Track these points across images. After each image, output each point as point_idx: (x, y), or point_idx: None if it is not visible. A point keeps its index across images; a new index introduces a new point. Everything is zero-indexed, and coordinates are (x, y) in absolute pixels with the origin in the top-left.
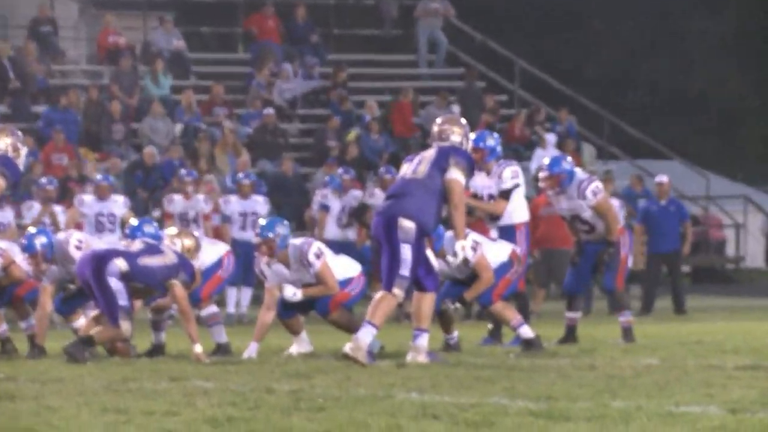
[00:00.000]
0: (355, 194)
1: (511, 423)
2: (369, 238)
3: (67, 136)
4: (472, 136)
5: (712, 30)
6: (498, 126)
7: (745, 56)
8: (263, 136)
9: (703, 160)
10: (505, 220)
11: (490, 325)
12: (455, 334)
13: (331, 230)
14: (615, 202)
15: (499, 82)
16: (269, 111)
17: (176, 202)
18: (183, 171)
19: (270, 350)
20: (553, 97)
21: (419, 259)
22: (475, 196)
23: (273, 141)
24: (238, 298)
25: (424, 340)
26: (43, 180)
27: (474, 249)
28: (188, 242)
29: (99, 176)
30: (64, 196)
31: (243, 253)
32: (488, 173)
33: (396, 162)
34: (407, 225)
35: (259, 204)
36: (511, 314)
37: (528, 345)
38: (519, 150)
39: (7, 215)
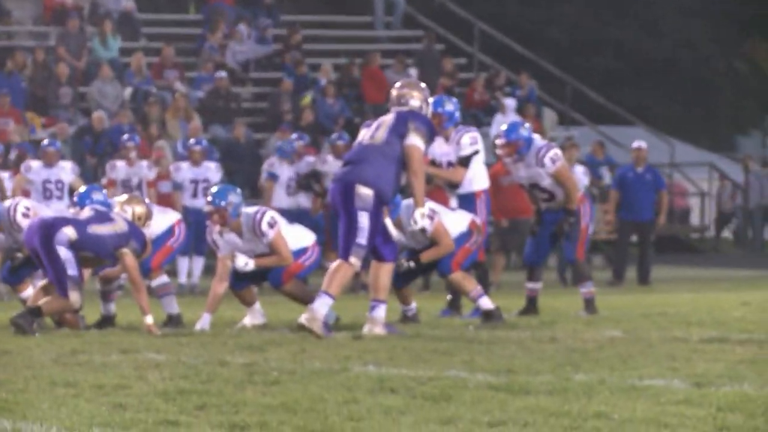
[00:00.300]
0: (309, 161)
1: (470, 396)
2: (323, 207)
3: (13, 100)
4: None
5: None
6: (457, 90)
7: (714, 20)
8: (215, 100)
9: (668, 127)
10: (465, 188)
11: (448, 297)
12: (413, 305)
13: (282, 199)
14: (580, 169)
15: (457, 45)
16: (221, 74)
17: (119, 169)
18: (125, 137)
19: (223, 322)
20: (514, 60)
21: (377, 227)
22: (433, 163)
23: (225, 105)
24: (190, 267)
25: (381, 312)
26: None
27: (431, 218)
28: (139, 209)
29: (46, 141)
30: (10, 163)
31: (195, 221)
32: (446, 140)
33: (351, 128)
34: (365, 192)
35: (211, 171)
36: (471, 285)
37: (488, 316)
38: (478, 115)
39: None
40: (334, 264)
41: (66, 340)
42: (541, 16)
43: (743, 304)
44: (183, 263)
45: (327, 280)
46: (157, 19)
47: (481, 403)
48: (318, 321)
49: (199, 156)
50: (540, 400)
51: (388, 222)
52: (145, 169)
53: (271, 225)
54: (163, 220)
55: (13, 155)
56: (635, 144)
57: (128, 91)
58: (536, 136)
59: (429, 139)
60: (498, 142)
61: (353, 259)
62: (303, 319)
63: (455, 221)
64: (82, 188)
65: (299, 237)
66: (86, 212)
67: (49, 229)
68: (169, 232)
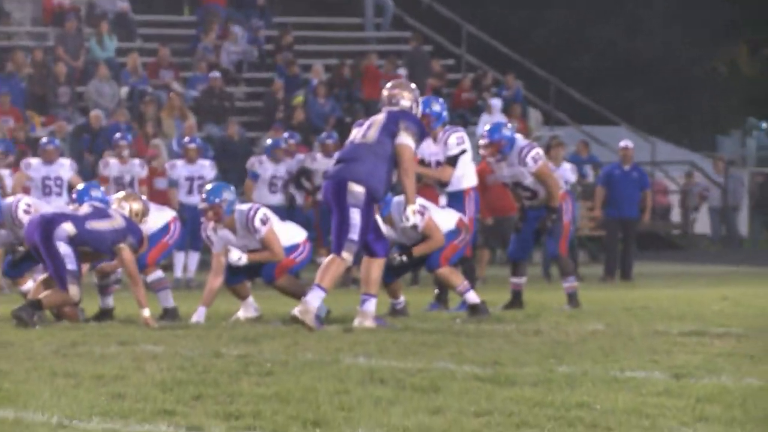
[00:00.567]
0: (300, 158)
1: (457, 388)
2: (313, 203)
3: (13, 100)
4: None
5: None
6: (445, 90)
7: (693, 24)
8: (209, 99)
9: (649, 127)
10: (454, 186)
11: (436, 291)
12: (402, 299)
13: (265, 196)
14: (567, 166)
15: (445, 47)
16: (215, 74)
17: (112, 166)
18: (118, 135)
19: (218, 315)
20: (500, 61)
21: (368, 224)
22: (422, 162)
23: (219, 105)
24: (186, 262)
25: (371, 305)
26: None
27: (421, 214)
28: (136, 206)
29: (45, 139)
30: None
31: (190, 217)
32: (434, 139)
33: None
34: (357, 189)
35: (206, 168)
36: (458, 279)
37: (474, 310)
38: (465, 115)
39: None
40: (327, 259)
41: (66, 332)
42: (527, 18)
43: (722, 299)
44: (179, 258)
45: (320, 274)
46: (153, 20)
47: (468, 394)
48: (310, 313)
49: (194, 154)
50: (525, 391)
51: (379, 219)
52: (138, 167)
53: (264, 221)
54: (159, 217)
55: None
56: (622, 143)
57: (125, 91)
58: (519, 136)
59: (419, 139)
60: (481, 142)
61: (345, 254)
62: (296, 311)
63: (444, 219)
64: (81, 185)
65: (291, 233)
66: (85, 208)
67: (48, 224)
68: (165, 229)
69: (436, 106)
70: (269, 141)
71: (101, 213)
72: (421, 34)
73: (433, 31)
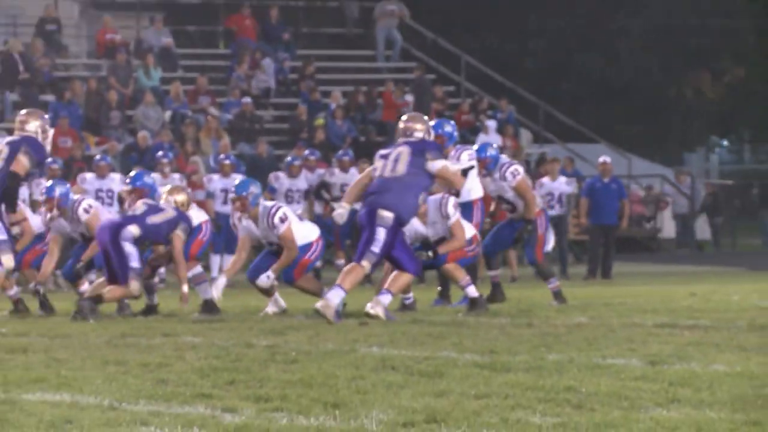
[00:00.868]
0: (320, 172)
1: (459, 374)
2: (332, 212)
3: (71, 122)
4: (431, 123)
5: (636, 27)
6: (446, 113)
7: (665, 52)
8: (242, 122)
9: (627, 144)
10: (464, 197)
11: (439, 288)
12: (411, 295)
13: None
14: (563, 179)
15: (447, 75)
16: (247, 100)
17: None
18: (160, 153)
19: (248, 310)
20: (495, 87)
21: (394, 243)
22: None
23: (250, 126)
24: (221, 264)
25: (387, 299)
26: (50, 160)
27: (455, 208)
28: (181, 198)
29: (98, 157)
30: (69, 175)
31: (225, 224)
32: (446, 157)
33: (357, 145)
34: (386, 214)
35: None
36: (461, 274)
37: (473, 304)
38: (465, 135)
39: (22, 191)
40: (349, 265)
41: (117, 325)
42: (518, 49)
43: (691, 295)
44: (215, 260)
45: (342, 276)
46: (192, 53)
47: (469, 379)
48: (331, 309)
49: (228, 169)
50: (519, 377)
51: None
52: (177, 181)
53: (283, 220)
54: (195, 216)
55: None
56: (601, 159)
57: (168, 114)
58: (502, 156)
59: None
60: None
61: (365, 263)
62: (319, 305)
63: (466, 228)
64: (134, 172)
65: (306, 232)
66: (140, 207)
67: (117, 227)
68: (198, 228)
69: (448, 128)
70: (287, 158)
71: (155, 209)
72: (426, 64)
73: (437, 62)
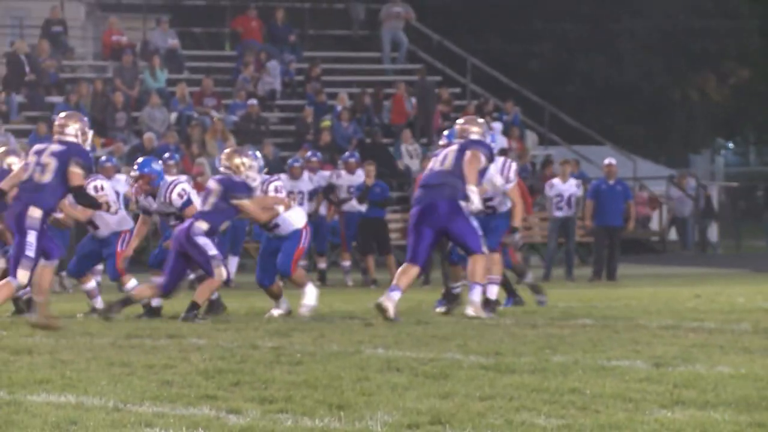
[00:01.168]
0: (325, 175)
1: (464, 375)
2: (338, 214)
3: None
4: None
5: (640, 30)
6: (452, 115)
7: (669, 54)
8: (248, 124)
9: (632, 146)
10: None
11: (443, 290)
12: (460, 283)
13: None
14: (573, 182)
15: (453, 77)
16: (253, 102)
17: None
18: (166, 155)
19: (254, 312)
20: (501, 90)
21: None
22: None
23: (256, 128)
24: (227, 265)
25: (477, 294)
26: None
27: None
28: (240, 160)
29: (104, 158)
30: None
31: (231, 226)
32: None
33: (363, 147)
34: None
35: None
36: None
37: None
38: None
39: None
40: (403, 266)
41: (121, 326)
42: (523, 52)
43: (695, 297)
44: None
45: (398, 276)
46: (198, 55)
47: (474, 381)
48: (391, 308)
49: None
50: (523, 378)
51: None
52: None
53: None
54: None
55: None
56: (607, 161)
57: (174, 116)
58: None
59: (488, 159)
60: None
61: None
62: (383, 299)
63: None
64: (141, 159)
65: (295, 218)
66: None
67: (188, 229)
68: None
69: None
70: (289, 160)
71: (207, 193)
72: (432, 66)
73: (443, 64)
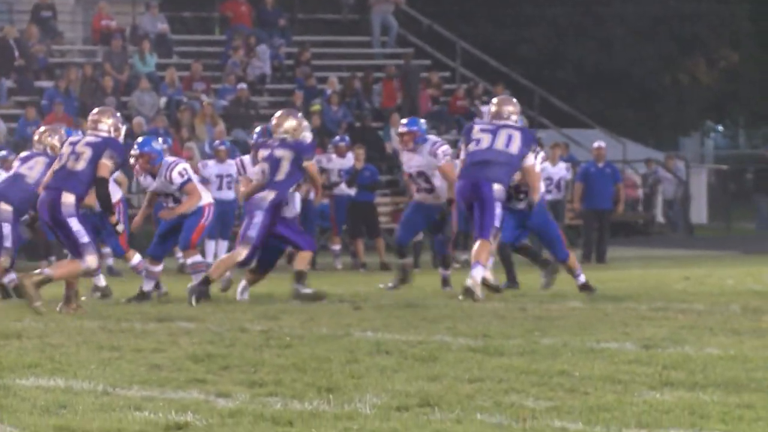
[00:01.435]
0: (316, 158)
1: (453, 358)
2: (327, 197)
3: (66, 108)
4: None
5: (630, 14)
6: (441, 99)
7: (659, 38)
8: (237, 108)
9: (621, 129)
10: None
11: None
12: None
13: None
14: (563, 165)
15: (442, 61)
16: (242, 86)
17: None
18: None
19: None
20: (490, 73)
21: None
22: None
23: (245, 113)
24: (216, 250)
25: (480, 272)
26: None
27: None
28: (289, 124)
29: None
30: None
31: (220, 210)
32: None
33: (352, 131)
34: (497, 188)
35: (233, 167)
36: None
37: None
38: (460, 120)
39: None
40: (477, 243)
41: (111, 309)
42: (514, 36)
43: (684, 279)
44: (210, 246)
45: (476, 253)
46: (187, 40)
47: (462, 363)
48: (478, 286)
49: (223, 155)
50: (512, 361)
51: None
52: None
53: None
54: (204, 196)
55: None
56: (596, 144)
57: (163, 101)
58: (431, 135)
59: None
60: (400, 130)
61: (491, 239)
62: (468, 283)
63: None
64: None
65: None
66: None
67: (276, 203)
68: (200, 212)
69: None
70: None
71: (275, 162)
72: (421, 50)
73: (432, 48)
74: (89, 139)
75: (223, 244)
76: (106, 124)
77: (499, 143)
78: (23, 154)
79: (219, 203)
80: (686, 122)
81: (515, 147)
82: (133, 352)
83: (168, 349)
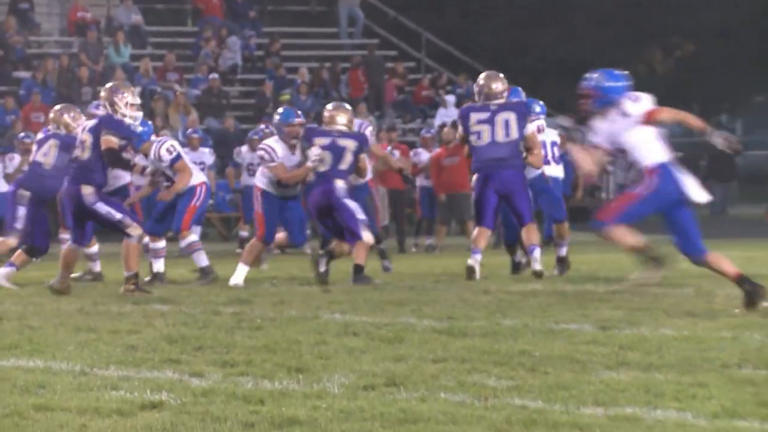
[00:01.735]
0: None
1: (418, 339)
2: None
3: (43, 98)
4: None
5: (593, 4)
6: (407, 89)
7: (622, 27)
8: (209, 97)
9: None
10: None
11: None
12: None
13: (246, 179)
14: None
15: (408, 51)
16: (214, 76)
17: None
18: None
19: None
20: (454, 64)
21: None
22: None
23: (217, 102)
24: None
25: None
26: (22, 134)
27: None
28: (342, 118)
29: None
30: None
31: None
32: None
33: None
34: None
35: (206, 155)
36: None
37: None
38: (425, 109)
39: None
40: (526, 228)
41: (88, 293)
42: (477, 27)
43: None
44: (196, 229)
45: (527, 238)
46: (161, 31)
47: (427, 344)
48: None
49: (196, 143)
50: (475, 341)
51: None
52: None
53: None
54: (196, 177)
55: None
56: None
57: (137, 90)
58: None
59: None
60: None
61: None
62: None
63: None
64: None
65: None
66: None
67: (330, 191)
68: (192, 192)
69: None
70: (249, 133)
71: (340, 151)
72: (388, 41)
73: (398, 39)
74: (88, 124)
75: (197, 229)
76: (101, 102)
77: (499, 135)
78: (39, 136)
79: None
80: None
81: (514, 132)
82: (110, 333)
83: (143, 330)
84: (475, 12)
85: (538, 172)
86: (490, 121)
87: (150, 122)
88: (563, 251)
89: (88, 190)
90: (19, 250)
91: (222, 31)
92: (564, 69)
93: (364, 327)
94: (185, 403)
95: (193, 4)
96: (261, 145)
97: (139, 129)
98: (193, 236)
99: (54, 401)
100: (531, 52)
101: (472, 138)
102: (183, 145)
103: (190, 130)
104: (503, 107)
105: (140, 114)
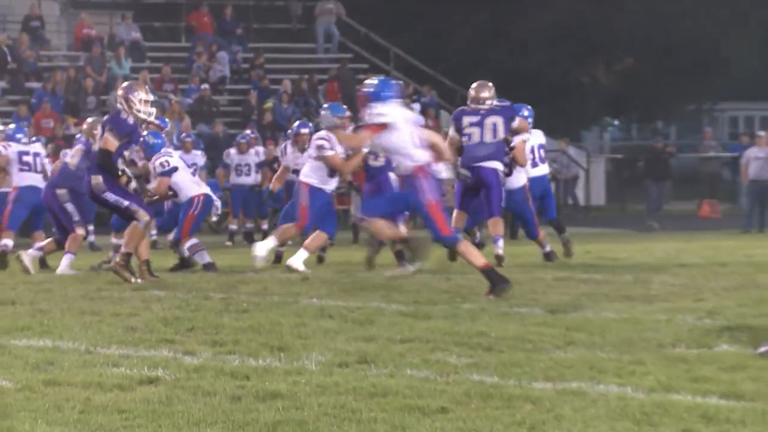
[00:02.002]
0: (258, 149)
1: (387, 321)
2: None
3: (53, 106)
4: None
5: (544, 20)
6: None
7: (569, 43)
8: (201, 105)
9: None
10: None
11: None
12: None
13: (235, 179)
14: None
15: (378, 65)
16: (205, 86)
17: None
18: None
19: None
20: (419, 75)
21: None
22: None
23: (208, 109)
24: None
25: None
26: (34, 138)
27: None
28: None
29: (77, 136)
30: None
31: None
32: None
33: None
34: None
35: (198, 157)
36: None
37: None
38: None
39: None
40: (493, 220)
41: (93, 280)
42: (440, 43)
43: (586, 252)
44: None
45: (492, 229)
46: (158, 46)
47: (395, 326)
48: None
49: (189, 146)
50: (438, 323)
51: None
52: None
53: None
54: (193, 189)
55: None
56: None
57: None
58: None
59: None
60: (301, 131)
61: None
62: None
63: None
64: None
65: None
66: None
67: (383, 180)
68: (189, 203)
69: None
70: (237, 138)
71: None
72: (360, 55)
73: (369, 53)
74: (104, 118)
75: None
76: (117, 96)
77: (488, 136)
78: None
79: None
80: (587, 117)
81: (501, 134)
82: (112, 316)
83: (142, 313)
84: (438, 30)
85: (524, 182)
86: (480, 124)
87: (163, 135)
88: (547, 249)
89: (97, 180)
90: (71, 236)
91: (212, 46)
92: (517, 80)
93: (339, 310)
94: (179, 378)
95: (186, 22)
96: (319, 135)
97: (152, 141)
98: (193, 239)
99: (61, 377)
100: (487, 65)
101: (464, 138)
102: (177, 148)
103: (183, 134)
104: (492, 111)
105: (153, 110)
